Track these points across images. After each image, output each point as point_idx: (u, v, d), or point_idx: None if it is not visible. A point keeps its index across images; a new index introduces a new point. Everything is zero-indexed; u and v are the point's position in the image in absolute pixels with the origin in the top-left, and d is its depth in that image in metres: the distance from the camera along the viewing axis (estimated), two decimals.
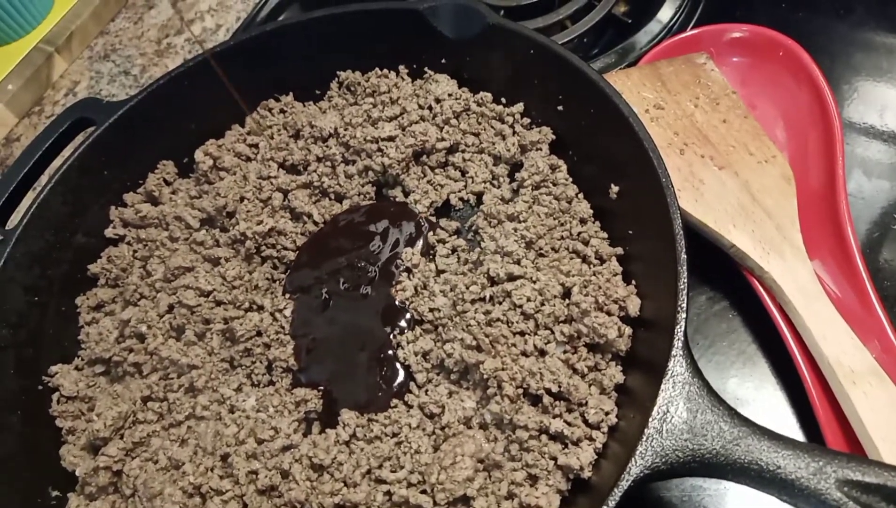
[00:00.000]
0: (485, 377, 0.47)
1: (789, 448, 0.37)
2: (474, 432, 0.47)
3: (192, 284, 0.55)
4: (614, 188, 0.53)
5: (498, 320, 0.49)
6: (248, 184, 0.60)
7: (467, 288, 0.51)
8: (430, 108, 0.61)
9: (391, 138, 0.60)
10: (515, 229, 0.53)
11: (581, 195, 0.55)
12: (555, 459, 0.44)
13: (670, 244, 0.44)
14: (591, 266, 0.52)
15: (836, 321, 0.50)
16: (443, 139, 0.60)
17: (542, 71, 0.57)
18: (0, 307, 0.54)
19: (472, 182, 0.59)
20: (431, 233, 0.58)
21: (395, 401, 0.51)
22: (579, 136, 0.56)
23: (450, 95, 0.61)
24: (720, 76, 0.63)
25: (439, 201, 0.60)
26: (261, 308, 0.56)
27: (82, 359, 0.57)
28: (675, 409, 0.39)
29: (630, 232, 0.51)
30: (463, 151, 0.61)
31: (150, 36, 0.90)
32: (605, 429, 0.45)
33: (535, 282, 0.50)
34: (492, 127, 0.60)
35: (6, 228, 0.57)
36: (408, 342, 0.52)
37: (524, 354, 0.48)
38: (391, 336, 0.53)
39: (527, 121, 0.60)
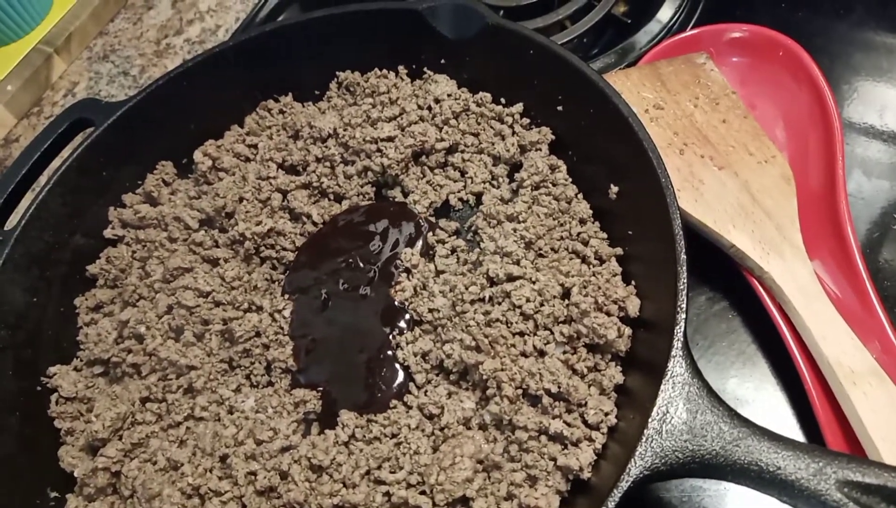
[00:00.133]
0: (484, 377, 0.46)
1: (789, 448, 0.37)
2: (473, 433, 0.46)
3: (191, 284, 0.55)
4: (614, 189, 0.53)
5: (497, 320, 0.49)
6: (247, 184, 0.60)
7: (467, 289, 0.51)
8: (430, 108, 0.61)
9: (390, 139, 0.60)
10: (515, 230, 0.53)
11: (580, 196, 0.55)
12: (554, 460, 0.44)
13: (670, 245, 0.44)
14: (591, 267, 0.51)
15: (836, 321, 0.50)
16: (442, 140, 0.60)
17: (541, 71, 0.56)
18: None
19: (472, 182, 0.59)
20: (431, 233, 0.58)
21: (394, 402, 0.50)
22: (579, 136, 0.56)
23: (449, 95, 0.61)
24: (720, 76, 0.63)
25: (439, 202, 0.60)
26: (260, 309, 0.56)
27: (81, 360, 0.57)
28: (674, 410, 0.39)
29: (630, 232, 0.51)
30: (462, 152, 0.60)
31: (150, 36, 0.90)
32: (605, 430, 0.45)
33: (534, 282, 0.50)
34: (491, 127, 0.60)
35: (5, 228, 0.56)
36: (407, 343, 0.52)
37: (523, 354, 0.48)
38: (390, 337, 0.53)
39: (526, 121, 0.59)
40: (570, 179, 0.56)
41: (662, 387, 0.40)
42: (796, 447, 0.37)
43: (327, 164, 0.62)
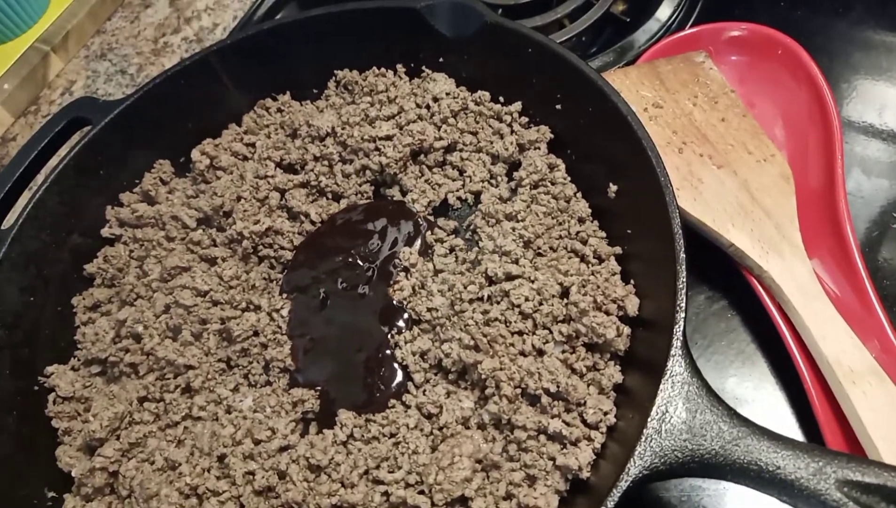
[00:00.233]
0: (483, 376, 0.46)
1: (789, 448, 0.37)
2: (472, 432, 0.46)
3: (189, 284, 0.55)
4: (613, 187, 0.52)
5: (496, 319, 0.49)
6: (244, 183, 0.60)
7: (465, 288, 0.51)
8: (428, 107, 0.61)
9: (389, 137, 0.59)
10: (514, 229, 0.53)
11: (579, 194, 0.55)
12: (553, 459, 0.44)
13: (669, 244, 0.44)
14: (590, 265, 0.51)
15: (835, 320, 0.50)
16: (441, 138, 0.60)
17: (540, 70, 0.56)
18: None
19: (470, 181, 0.59)
20: (429, 232, 0.58)
21: (392, 401, 0.50)
22: (578, 135, 0.56)
23: (447, 93, 0.61)
24: (719, 75, 0.63)
25: (437, 201, 0.60)
26: (258, 308, 0.56)
27: (78, 359, 0.57)
28: (673, 409, 0.39)
29: (629, 231, 0.51)
30: (461, 150, 0.60)
31: (147, 35, 0.90)
32: (604, 429, 0.45)
33: (533, 281, 0.50)
34: (490, 126, 0.60)
35: (2, 227, 0.56)
36: (405, 342, 0.52)
37: (522, 354, 0.48)
38: (389, 336, 0.53)
39: (525, 120, 0.59)
40: (569, 178, 0.56)
41: (662, 386, 0.39)
42: (796, 446, 0.37)
43: (325, 162, 0.61)
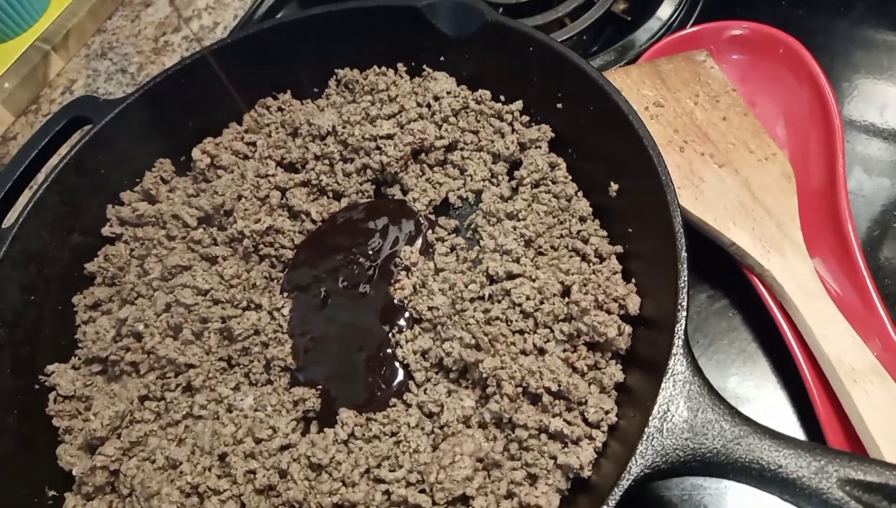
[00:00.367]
0: (484, 375, 0.46)
1: (791, 447, 0.37)
2: (473, 431, 0.46)
3: (190, 282, 0.55)
4: (614, 186, 0.52)
5: (497, 318, 0.49)
6: (245, 182, 0.60)
7: (466, 287, 0.51)
8: (429, 105, 0.61)
9: (390, 136, 0.59)
10: (514, 228, 0.53)
11: (580, 193, 0.55)
12: (554, 458, 0.44)
13: (670, 242, 0.44)
14: (591, 264, 0.51)
15: (836, 319, 0.50)
16: (441, 137, 0.59)
17: (541, 69, 0.56)
18: None
19: (471, 180, 0.59)
20: (430, 231, 0.58)
21: (393, 400, 0.50)
22: (579, 134, 0.56)
23: (448, 92, 0.60)
24: (720, 74, 0.63)
25: (438, 200, 0.59)
26: (259, 307, 0.56)
27: (79, 358, 0.57)
28: (675, 408, 0.39)
29: (630, 230, 0.51)
30: (462, 149, 0.60)
31: (147, 34, 0.90)
32: (605, 428, 0.45)
33: (534, 280, 0.50)
34: (491, 125, 0.60)
35: (2, 226, 0.56)
36: (406, 341, 0.52)
37: (523, 352, 0.48)
38: (390, 335, 0.53)
39: (526, 119, 0.59)
40: (570, 177, 0.56)
41: (663, 385, 0.39)
42: (797, 445, 0.37)
43: (326, 161, 0.61)
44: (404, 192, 0.61)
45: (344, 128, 0.60)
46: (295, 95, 0.66)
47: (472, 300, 0.51)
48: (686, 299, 0.42)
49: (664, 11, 0.72)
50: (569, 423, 0.45)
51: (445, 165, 0.61)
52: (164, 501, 0.47)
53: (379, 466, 0.47)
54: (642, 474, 0.38)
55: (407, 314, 0.53)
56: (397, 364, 0.52)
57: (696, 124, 0.60)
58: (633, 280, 0.49)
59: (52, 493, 0.51)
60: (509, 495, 0.44)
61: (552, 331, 0.48)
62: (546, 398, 0.45)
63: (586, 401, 0.45)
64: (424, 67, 0.63)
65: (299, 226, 0.60)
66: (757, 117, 0.60)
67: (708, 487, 0.51)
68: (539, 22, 0.72)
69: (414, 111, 0.60)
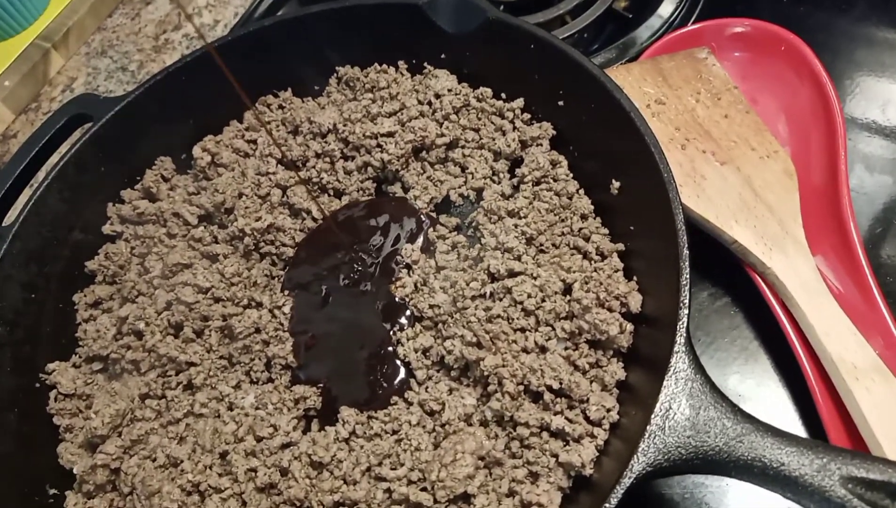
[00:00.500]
0: (485, 373, 0.46)
1: (793, 444, 0.37)
2: (475, 429, 0.46)
3: (191, 281, 0.54)
4: (615, 184, 0.52)
5: (498, 316, 0.49)
6: (246, 180, 0.60)
7: (467, 285, 0.51)
8: (430, 103, 0.61)
9: (390, 134, 0.59)
10: (516, 225, 0.53)
11: (582, 191, 0.55)
12: (556, 456, 0.44)
13: (672, 240, 0.44)
14: (592, 262, 0.51)
15: (838, 317, 0.50)
16: (442, 135, 0.59)
17: (542, 66, 0.56)
18: None
19: (472, 178, 0.59)
20: (431, 229, 0.57)
21: (394, 398, 0.50)
22: (580, 131, 0.56)
23: (449, 90, 0.60)
24: (722, 71, 0.63)
25: (439, 197, 0.59)
26: (259, 305, 0.56)
27: (80, 356, 0.57)
28: (677, 406, 0.39)
29: (631, 228, 0.51)
30: (463, 147, 0.60)
31: (148, 32, 0.90)
32: (607, 426, 0.45)
33: (535, 278, 0.50)
34: (492, 122, 0.60)
35: (3, 224, 0.56)
36: (408, 339, 0.52)
37: (525, 350, 0.48)
38: (391, 333, 0.53)
39: (527, 116, 0.59)
40: (572, 175, 0.56)
41: (665, 383, 0.39)
42: (800, 443, 0.37)
43: (327, 159, 0.61)
44: (405, 190, 0.60)
45: (345, 126, 0.60)
46: (295, 92, 0.66)
47: (473, 298, 0.51)
48: (688, 297, 0.42)
49: (665, 9, 0.72)
50: (570, 421, 0.45)
51: (446, 162, 0.61)
52: (165, 499, 0.47)
53: (380, 464, 0.47)
54: (644, 472, 0.38)
55: (408, 312, 0.53)
56: (398, 362, 0.52)
57: (698, 122, 0.60)
58: (635, 278, 0.49)
59: (52, 491, 0.51)
60: (511, 493, 0.44)
61: (553, 329, 0.48)
62: (547, 396, 0.45)
63: (588, 399, 0.45)
64: (425, 64, 0.62)
65: (300, 224, 0.60)
66: (758, 115, 0.60)
67: (709, 485, 0.51)
68: (540, 19, 0.72)
69: (415, 109, 0.60)
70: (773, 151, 0.58)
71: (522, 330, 0.49)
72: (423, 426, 0.48)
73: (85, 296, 0.59)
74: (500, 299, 0.50)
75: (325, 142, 0.61)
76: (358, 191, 0.61)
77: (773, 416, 0.53)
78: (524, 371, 0.46)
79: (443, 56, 0.62)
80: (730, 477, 0.39)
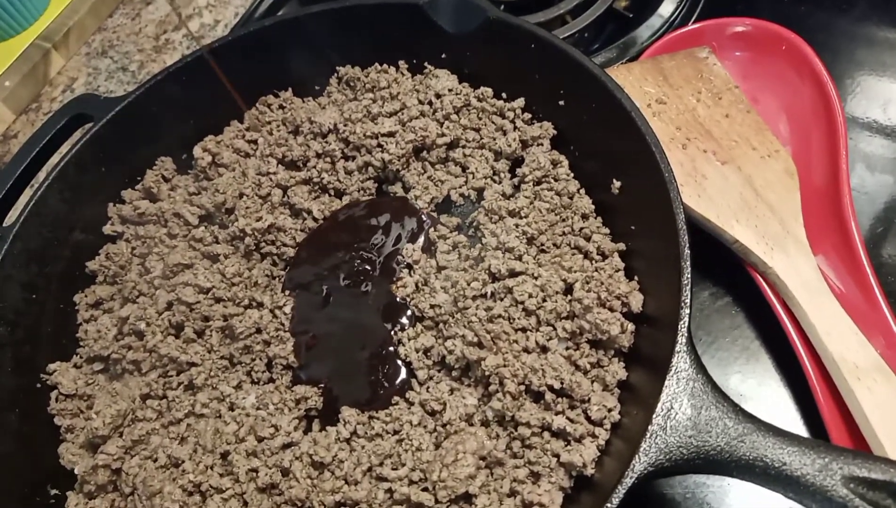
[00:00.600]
0: (486, 373, 0.46)
1: (794, 444, 0.37)
2: (476, 429, 0.46)
3: (191, 281, 0.54)
4: (616, 184, 0.52)
5: (499, 316, 0.49)
6: (247, 180, 0.60)
7: (468, 284, 0.51)
8: (431, 103, 0.61)
9: (391, 134, 0.59)
10: (517, 225, 0.53)
11: (583, 191, 0.55)
12: (557, 456, 0.44)
13: (673, 240, 0.44)
14: (593, 262, 0.51)
15: (840, 316, 0.50)
16: (443, 135, 0.59)
17: (543, 66, 0.56)
18: None
19: (473, 178, 0.59)
20: (432, 229, 0.57)
21: (396, 398, 0.50)
22: (581, 131, 0.56)
23: (450, 90, 0.60)
24: (722, 71, 0.63)
25: (440, 197, 0.59)
26: (260, 305, 0.56)
27: (81, 357, 0.57)
28: (678, 405, 0.39)
29: (632, 228, 0.51)
30: (463, 147, 0.60)
31: (148, 32, 0.90)
32: (608, 426, 0.45)
33: (536, 278, 0.50)
34: (492, 122, 0.60)
35: (3, 225, 0.56)
36: (409, 339, 0.52)
37: (526, 350, 0.48)
38: (392, 333, 0.53)
39: (528, 116, 0.59)
40: (572, 175, 0.56)
41: (666, 383, 0.39)
42: (801, 442, 0.37)
43: (328, 159, 0.61)
44: (406, 189, 0.60)
45: (345, 126, 0.60)
46: (296, 92, 0.66)
47: (474, 298, 0.51)
48: (689, 297, 0.42)
49: (666, 8, 0.72)
50: (572, 421, 0.45)
51: (447, 162, 0.61)
52: (167, 499, 0.47)
53: (381, 464, 0.47)
54: (646, 472, 0.38)
55: (409, 312, 0.53)
56: (399, 362, 0.52)
57: (699, 121, 0.60)
58: (636, 278, 0.49)
59: (54, 492, 0.51)
60: (512, 493, 0.44)
61: (555, 329, 0.48)
62: (549, 396, 0.45)
63: (589, 399, 0.45)
64: (426, 64, 0.62)
65: (301, 224, 0.60)
66: (759, 114, 0.60)
67: (711, 485, 0.51)
68: (541, 19, 0.72)
69: (415, 109, 0.60)
70: (774, 150, 0.58)
71: (523, 330, 0.49)
72: (425, 427, 0.48)
73: (86, 296, 0.59)
74: (501, 299, 0.50)
75: (326, 142, 0.61)
76: (359, 191, 0.61)
77: (774, 416, 0.53)
78: (525, 371, 0.46)
79: (443, 56, 0.62)
80: (731, 477, 0.39)
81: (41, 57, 0.85)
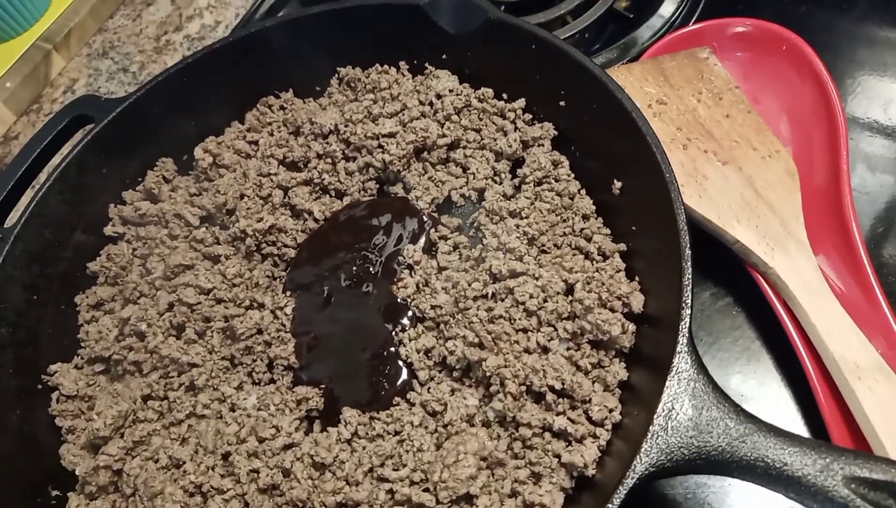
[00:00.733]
0: (487, 374, 0.46)
1: (796, 444, 0.37)
2: (477, 429, 0.46)
3: (192, 282, 0.54)
4: (617, 184, 0.52)
5: (500, 317, 0.49)
6: (247, 181, 0.60)
7: (469, 285, 0.51)
8: (431, 104, 0.61)
9: (392, 135, 0.59)
10: (517, 226, 0.53)
11: (583, 191, 0.55)
12: (558, 457, 0.44)
13: (674, 240, 0.44)
14: (594, 262, 0.51)
15: (841, 316, 0.50)
16: (444, 135, 0.59)
17: (544, 66, 0.56)
18: None
19: (474, 178, 0.59)
20: (433, 230, 0.57)
21: (397, 399, 0.50)
22: (582, 131, 0.56)
23: (451, 90, 0.60)
24: (723, 71, 0.63)
25: (441, 198, 0.59)
26: (261, 306, 0.56)
27: (82, 358, 0.57)
28: (680, 406, 0.39)
29: (633, 228, 0.51)
30: (464, 148, 0.60)
31: (149, 33, 0.90)
32: (609, 426, 0.45)
33: (537, 279, 0.50)
34: (493, 123, 0.60)
35: (5, 226, 0.56)
36: (410, 340, 0.52)
37: (527, 351, 0.48)
38: (393, 334, 0.53)
39: (528, 116, 0.59)
40: (573, 175, 0.56)
41: (668, 383, 0.39)
42: (802, 442, 0.37)
43: (328, 160, 0.61)
44: (407, 190, 0.60)
45: (346, 126, 0.60)
46: (297, 93, 0.66)
47: (475, 299, 0.51)
48: (690, 297, 0.42)
49: (667, 9, 0.72)
50: (573, 421, 0.45)
51: (448, 163, 0.61)
52: (168, 500, 0.47)
53: (382, 465, 0.47)
54: (647, 472, 0.38)
55: (410, 313, 0.53)
56: (400, 363, 0.52)
57: (700, 122, 0.60)
58: (637, 278, 0.49)
59: (55, 493, 0.51)
60: (513, 493, 0.44)
61: (556, 329, 0.48)
62: (550, 397, 0.45)
63: (590, 399, 0.45)
64: (426, 65, 0.62)
65: (302, 225, 0.60)
66: (760, 115, 0.60)
67: (711, 485, 0.51)
68: (541, 19, 0.72)
69: (416, 109, 0.60)
70: (774, 150, 0.58)
71: (524, 331, 0.49)
72: (426, 427, 0.48)
73: (87, 297, 0.59)
74: (502, 300, 0.50)
75: (327, 143, 0.61)
76: (359, 192, 0.61)
77: (775, 416, 0.53)
78: (526, 372, 0.46)
79: (444, 56, 0.62)
80: (732, 478, 0.39)
81: (42, 58, 0.85)
